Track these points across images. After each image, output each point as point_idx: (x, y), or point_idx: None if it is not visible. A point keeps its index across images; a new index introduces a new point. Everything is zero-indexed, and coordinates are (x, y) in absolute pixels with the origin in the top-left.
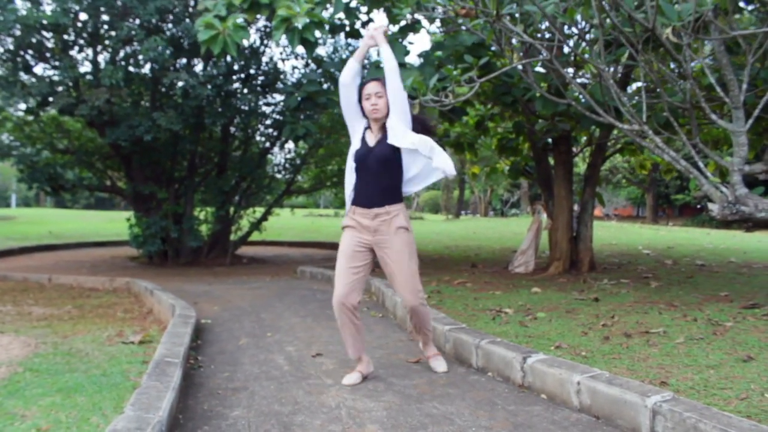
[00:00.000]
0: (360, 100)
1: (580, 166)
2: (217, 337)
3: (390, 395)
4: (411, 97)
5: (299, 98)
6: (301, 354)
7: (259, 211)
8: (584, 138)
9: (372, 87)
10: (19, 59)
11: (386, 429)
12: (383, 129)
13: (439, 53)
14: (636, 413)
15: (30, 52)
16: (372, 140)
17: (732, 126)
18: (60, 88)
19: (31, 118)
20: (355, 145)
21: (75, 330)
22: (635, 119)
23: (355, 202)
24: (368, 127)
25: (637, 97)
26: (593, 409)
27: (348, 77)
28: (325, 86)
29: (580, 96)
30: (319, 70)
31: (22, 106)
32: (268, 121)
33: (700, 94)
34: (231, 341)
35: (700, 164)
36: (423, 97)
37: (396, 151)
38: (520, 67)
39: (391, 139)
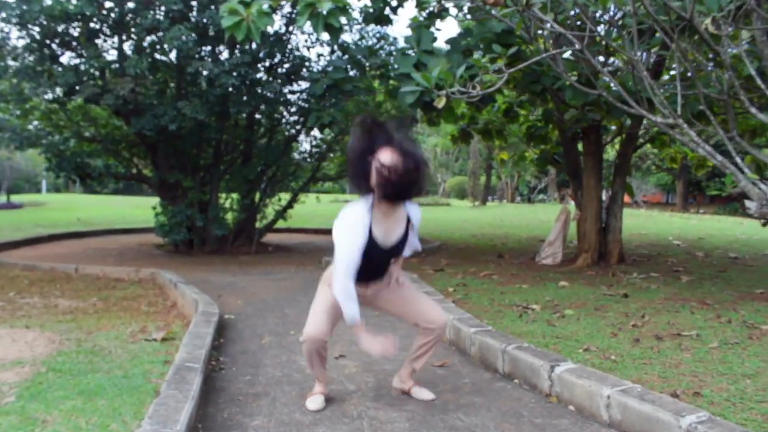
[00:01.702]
0: (364, 164)
1: (610, 152)
2: (240, 334)
3: (413, 404)
4: (438, 87)
5: (325, 86)
6: None
7: (285, 198)
8: (614, 127)
9: (390, 158)
10: (45, 49)
11: None
12: (395, 214)
13: (467, 40)
14: None
15: (56, 41)
16: (380, 229)
17: None
18: (86, 78)
19: (57, 107)
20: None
21: (99, 325)
22: (669, 111)
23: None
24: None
25: (670, 86)
26: (624, 424)
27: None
28: (351, 73)
29: (612, 85)
30: (345, 57)
31: (49, 95)
32: (294, 109)
33: (738, 85)
34: (254, 340)
35: (738, 159)
36: (450, 88)
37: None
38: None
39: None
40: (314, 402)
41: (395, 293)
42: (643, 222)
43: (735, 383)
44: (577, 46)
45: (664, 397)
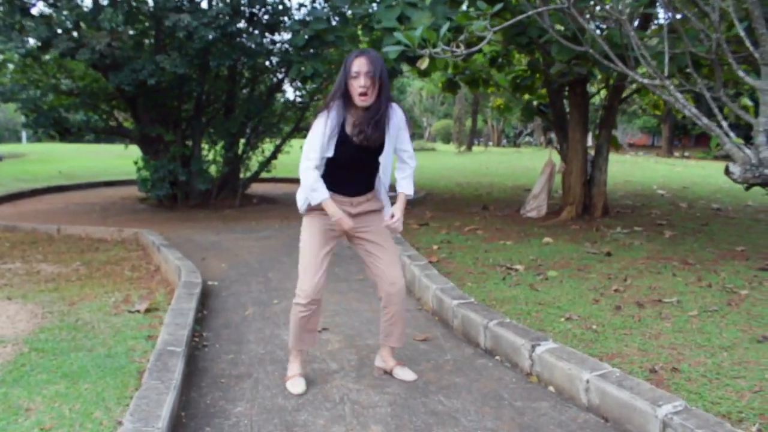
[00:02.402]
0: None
1: (596, 99)
2: (223, 304)
3: (395, 386)
4: (421, 46)
5: (306, 36)
6: None
7: (269, 149)
8: (600, 77)
9: (362, 63)
10: (15, 0)
11: (390, 431)
12: (367, 114)
13: None
14: (646, 422)
15: None
16: (355, 130)
17: (760, 83)
18: (60, 31)
19: (31, 61)
20: (331, 132)
21: (82, 294)
22: (656, 73)
23: (332, 189)
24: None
25: (657, 42)
26: (602, 409)
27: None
28: (333, 22)
29: (598, 42)
30: (327, 7)
31: (21, 50)
32: (276, 59)
33: (728, 49)
34: (237, 310)
35: (724, 123)
36: (434, 49)
37: (382, 145)
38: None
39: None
40: (296, 385)
41: (377, 229)
42: (628, 169)
43: (712, 356)
44: (564, 4)
45: (642, 384)
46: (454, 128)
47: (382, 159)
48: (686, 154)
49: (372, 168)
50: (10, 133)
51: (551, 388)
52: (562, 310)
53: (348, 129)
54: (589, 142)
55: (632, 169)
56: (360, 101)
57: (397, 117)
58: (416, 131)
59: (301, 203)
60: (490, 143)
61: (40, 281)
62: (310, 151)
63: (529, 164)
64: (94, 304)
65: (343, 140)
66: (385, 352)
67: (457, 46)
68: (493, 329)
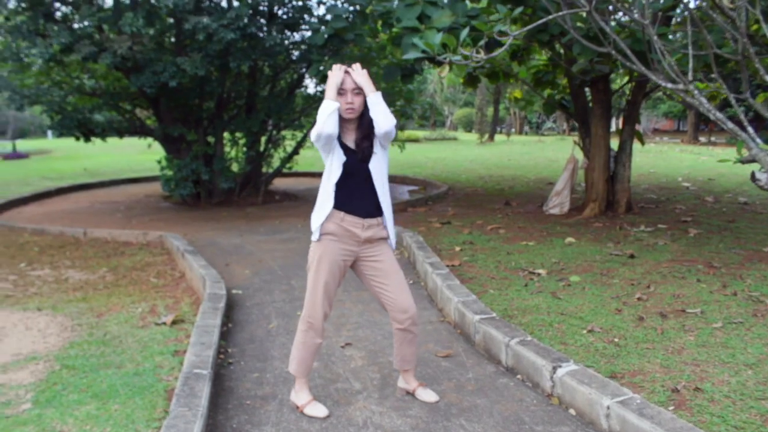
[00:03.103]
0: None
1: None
2: (248, 316)
3: (418, 408)
4: (439, 54)
5: (326, 35)
6: (330, 343)
7: (290, 145)
8: (623, 71)
9: (349, 81)
10: (38, 6)
11: None
12: (361, 130)
13: None
14: None
15: None
16: (350, 141)
17: None
18: (82, 36)
19: (54, 64)
20: (338, 152)
21: (109, 304)
22: (679, 77)
23: (345, 209)
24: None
25: (680, 36)
26: None
27: (333, 126)
28: (352, 18)
29: (621, 46)
30: (346, 4)
31: (45, 55)
32: (296, 56)
33: (753, 51)
34: (261, 323)
35: (750, 128)
36: (453, 56)
37: (384, 162)
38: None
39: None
40: (318, 409)
41: (383, 255)
42: (652, 159)
43: (736, 374)
44: (585, 7)
45: (662, 413)
46: (476, 118)
47: (371, 166)
48: (713, 139)
49: (377, 183)
50: (35, 128)
51: (572, 411)
52: (584, 321)
53: (345, 140)
54: (613, 127)
55: (656, 159)
56: (346, 114)
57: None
58: (438, 119)
59: (315, 226)
60: (513, 129)
61: (68, 290)
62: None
63: (552, 155)
64: (121, 315)
65: (343, 150)
66: (406, 373)
67: (477, 52)
68: (514, 348)
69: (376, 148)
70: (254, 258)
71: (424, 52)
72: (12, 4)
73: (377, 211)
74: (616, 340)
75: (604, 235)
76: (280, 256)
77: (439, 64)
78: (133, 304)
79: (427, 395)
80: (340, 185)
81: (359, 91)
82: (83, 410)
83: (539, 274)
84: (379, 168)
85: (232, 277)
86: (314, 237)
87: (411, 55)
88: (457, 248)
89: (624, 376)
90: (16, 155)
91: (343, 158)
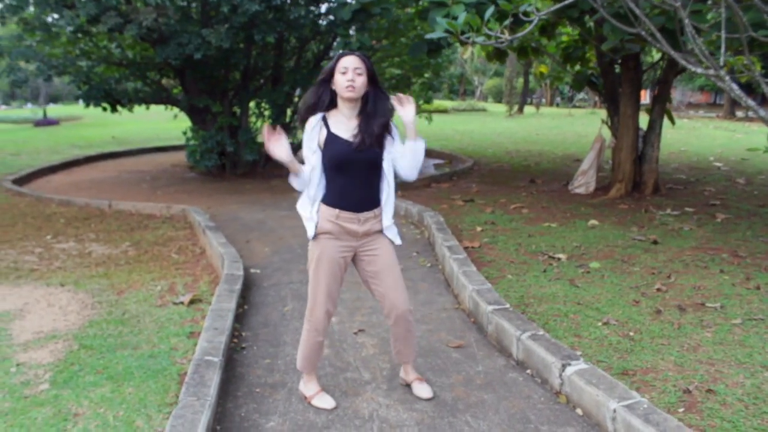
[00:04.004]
0: (328, 84)
1: (651, 58)
2: (264, 298)
3: (424, 401)
4: (462, 33)
5: (351, 11)
6: (343, 329)
7: None
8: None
9: (351, 60)
10: None
11: None
12: (364, 118)
13: None
14: None
15: None
16: (346, 131)
17: None
18: (108, 6)
19: (81, 35)
20: (321, 139)
21: (130, 281)
22: (710, 62)
23: (339, 205)
24: (326, 112)
25: (710, 16)
26: None
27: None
28: None
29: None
30: None
31: (71, 27)
32: (323, 27)
33: None
34: (276, 306)
35: None
36: (476, 36)
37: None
38: None
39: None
40: (325, 400)
41: (381, 248)
42: (684, 136)
43: (752, 376)
44: None
45: (669, 420)
46: (505, 89)
47: (369, 156)
48: (749, 114)
49: (374, 176)
50: (67, 94)
51: (579, 411)
52: (600, 312)
53: (339, 132)
54: (646, 99)
55: (689, 136)
56: (346, 92)
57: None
58: (468, 88)
59: (306, 216)
60: (543, 101)
61: (91, 264)
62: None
63: (581, 130)
64: (141, 293)
65: (334, 142)
66: (405, 365)
67: (502, 32)
68: (525, 342)
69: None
70: (275, 235)
71: (447, 31)
72: None
73: (374, 204)
74: (631, 333)
75: (629, 218)
76: (301, 233)
77: (463, 43)
78: (153, 281)
79: (422, 390)
80: (330, 179)
81: (362, 71)
82: (98, 392)
83: (559, 259)
84: (378, 157)
85: (251, 255)
86: (310, 234)
87: (433, 34)
88: (479, 228)
89: (636, 373)
90: (46, 122)
91: (334, 151)
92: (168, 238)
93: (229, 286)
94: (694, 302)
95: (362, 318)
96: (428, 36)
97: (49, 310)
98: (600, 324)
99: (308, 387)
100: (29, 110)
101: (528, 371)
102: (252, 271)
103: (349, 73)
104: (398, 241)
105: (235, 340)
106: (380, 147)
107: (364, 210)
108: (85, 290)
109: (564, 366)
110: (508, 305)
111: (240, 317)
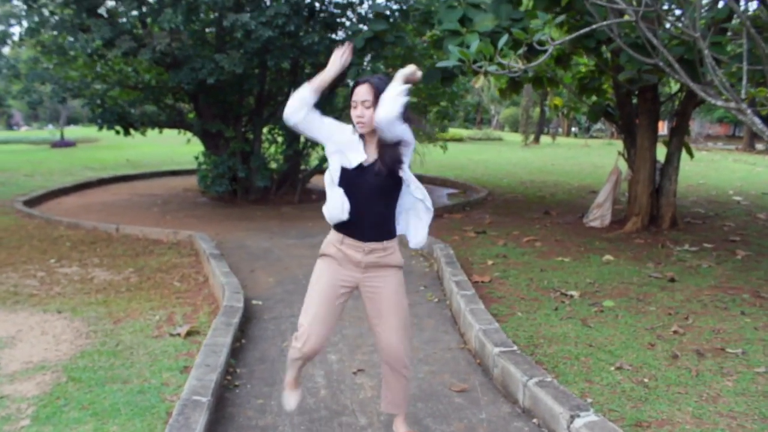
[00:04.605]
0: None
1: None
2: (263, 332)
3: None
4: (474, 62)
5: (364, 39)
6: (342, 368)
7: None
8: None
9: (360, 93)
10: (84, 1)
11: None
12: (379, 145)
13: None
14: None
15: None
16: (367, 157)
17: None
18: (123, 31)
19: (97, 58)
20: (351, 158)
21: (129, 309)
22: (731, 94)
23: (345, 231)
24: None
25: (732, 47)
26: None
27: (294, 113)
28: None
29: (669, 60)
30: (390, 2)
31: (87, 50)
32: None
33: None
34: (275, 340)
35: None
36: (489, 65)
37: (398, 179)
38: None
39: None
40: (288, 398)
41: (386, 286)
42: (702, 169)
43: None
44: (632, 17)
45: None
46: (521, 119)
47: (382, 182)
48: None
49: (384, 205)
50: (85, 116)
51: None
52: (613, 355)
53: (363, 156)
54: (664, 130)
55: (707, 169)
56: (358, 129)
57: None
58: (485, 117)
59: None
60: (560, 130)
61: (91, 291)
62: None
63: (597, 161)
64: (138, 323)
65: (357, 168)
66: (398, 421)
67: (516, 61)
68: (532, 389)
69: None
70: (281, 265)
71: (460, 60)
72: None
73: (387, 234)
74: (645, 380)
75: (645, 253)
76: (306, 263)
77: (476, 72)
78: (151, 310)
79: None
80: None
81: (370, 103)
82: (81, 430)
83: (571, 296)
84: (392, 186)
85: (254, 285)
86: (320, 251)
87: (445, 63)
88: (490, 262)
89: (650, 425)
90: (63, 143)
91: (351, 162)
92: (172, 265)
93: (226, 318)
94: (714, 347)
95: (363, 357)
96: (440, 64)
97: (42, 339)
98: (612, 368)
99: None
100: (48, 131)
101: (534, 420)
102: (254, 302)
103: (358, 108)
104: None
105: (229, 377)
106: (392, 175)
107: (370, 240)
108: (82, 318)
109: (572, 417)
110: (515, 347)
111: (236, 352)
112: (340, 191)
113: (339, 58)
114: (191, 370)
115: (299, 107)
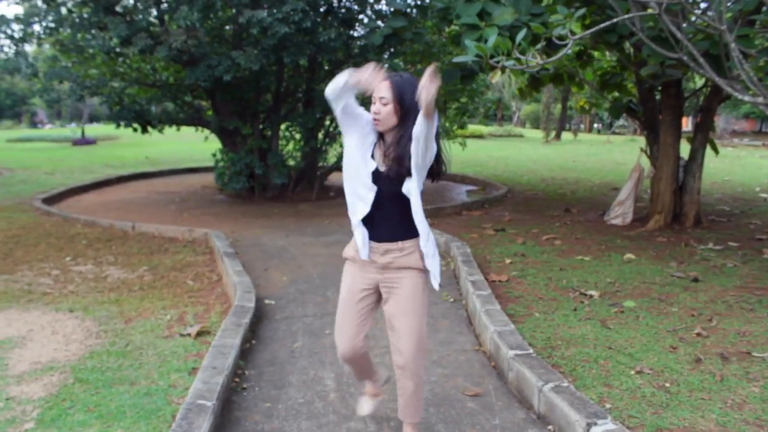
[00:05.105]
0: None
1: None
2: (274, 332)
3: None
4: (491, 57)
5: (382, 36)
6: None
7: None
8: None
9: (380, 89)
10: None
11: None
12: (393, 144)
13: None
14: None
15: None
16: (380, 159)
17: None
18: (140, 28)
19: (114, 56)
20: (363, 157)
21: (140, 308)
22: (759, 89)
23: (361, 231)
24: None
25: (760, 40)
26: None
27: (333, 95)
28: (412, 13)
29: (694, 54)
30: None
31: (104, 48)
32: (355, 51)
33: None
34: (286, 341)
35: None
36: (506, 60)
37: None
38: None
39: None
40: (362, 406)
41: (401, 288)
42: (728, 166)
43: None
44: (656, 10)
45: None
46: (542, 116)
47: (405, 189)
48: None
49: (398, 206)
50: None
51: None
52: (633, 358)
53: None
54: (688, 126)
55: (733, 165)
56: (375, 126)
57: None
58: (506, 113)
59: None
60: (582, 126)
61: (104, 290)
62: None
63: (619, 158)
64: (149, 322)
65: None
66: (405, 425)
67: (534, 56)
68: (547, 394)
69: (412, 168)
70: (295, 263)
71: (477, 55)
72: None
73: (402, 234)
74: (667, 385)
75: (668, 252)
76: (321, 261)
77: (493, 67)
78: (163, 309)
79: None
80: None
81: (388, 101)
82: None
83: (591, 296)
84: (399, 187)
85: (267, 284)
86: (343, 254)
87: (462, 58)
88: (508, 261)
89: None
90: (84, 141)
91: (366, 162)
92: (186, 264)
93: (236, 319)
94: (739, 350)
95: (375, 359)
96: (456, 59)
97: (52, 338)
98: (633, 372)
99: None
100: (69, 129)
101: (549, 427)
102: (266, 302)
103: (376, 103)
104: (434, 284)
105: (237, 380)
106: (403, 176)
107: (385, 240)
108: (93, 317)
109: (589, 425)
110: (531, 350)
111: (246, 353)
112: (354, 181)
113: (369, 75)
114: (198, 372)
115: (335, 98)
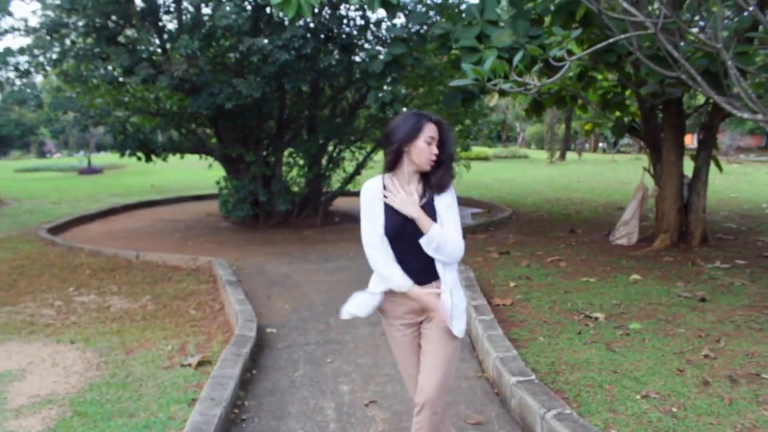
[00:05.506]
0: (402, 147)
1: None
2: (275, 362)
3: None
4: (489, 80)
5: (383, 63)
6: (354, 399)
7: (351, 167)
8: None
9: (435, 130)
10: (103, 30)
11: None
12: (422, 185)
13: (533, 3)
14: None
15: (114, 18)
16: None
17: None
18: (142, 57)
19: (117, 86)
20: (379, 215)
21: (142, 339)
22: (757, 106)
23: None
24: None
25: (761, 57)
26: None
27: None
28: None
29: (691, 72)
30: (405, 25)
31: (107, 77)
32: (357, 76)
33: None
34: (287, 371)
35: None
36: (503, 83)
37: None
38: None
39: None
40: None
41: (434, 330)
42: (734, 182)
43: None
44: (651, 30)
45: None
46: (546, 136)
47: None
48: None
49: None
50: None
51: None
52: (639, 382)
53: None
54: (693, 143)
55: (738, 182)
56: (427, 165)
57: (450, 192)
58: (510, 134)
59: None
60: (587, 146)
61: (106, 320)
62: (365, 225)
63: (624, 177)
64: (150, 353)
65: (390, 212)
66: None
67: (532, 78)
68: (550, 422)
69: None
70: (298, 290)
71: (476, 78)
72: (81, 29)
73: (434, 275)
74: (674, 409)
75: (674, 271)
76: (324, 288)
77: (491, 90)
78: (165, 339)
79: None
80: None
81: (437, 142)
82: None
83: (596, 319)
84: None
85: (270, 313)
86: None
87: (460, 82)
88: (512, 284)
89: None
90: (90, 170)
91: (387, 222)
92: (189, 292)
93: (236, 349)
94: (748, 372)
95: (376, 387)
96: (454, 83)
97: (52, 371)
98: (638, 397)
99: None
100: (76, 159)
101: None
102: (268, 330)
103: (434, 145)
104: (457, 333)
105: (236, 411)
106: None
107: (423, 282)
108: (94, 348)
109: None
110: (533, 376)
111: (246, 383)
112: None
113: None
114: (196, 404)
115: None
